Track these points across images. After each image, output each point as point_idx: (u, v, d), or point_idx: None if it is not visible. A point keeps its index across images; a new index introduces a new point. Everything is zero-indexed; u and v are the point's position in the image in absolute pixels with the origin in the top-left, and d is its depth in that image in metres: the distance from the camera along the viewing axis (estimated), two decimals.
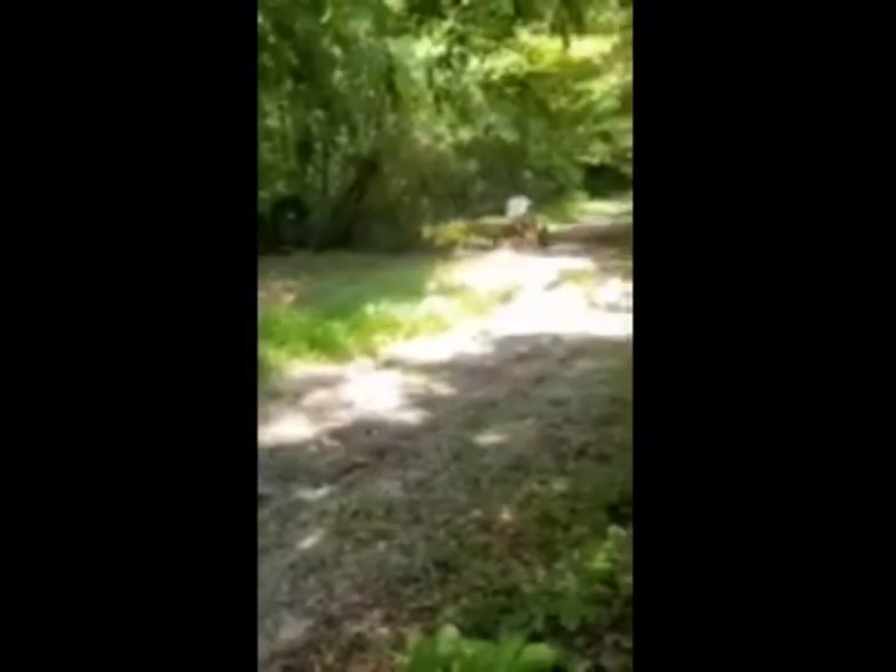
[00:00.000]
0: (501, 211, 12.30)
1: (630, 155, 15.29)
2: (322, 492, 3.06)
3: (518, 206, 10.62)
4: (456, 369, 5.04)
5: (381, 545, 2.56)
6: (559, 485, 2.95)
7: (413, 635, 2.00)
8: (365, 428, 3.85)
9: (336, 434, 3.76)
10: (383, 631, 2.05)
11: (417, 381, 4.74)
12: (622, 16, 9.60)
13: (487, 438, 3.62)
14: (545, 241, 10.18)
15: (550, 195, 18.83)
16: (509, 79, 12.37)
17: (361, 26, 10.56)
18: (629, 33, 9.87)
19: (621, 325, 6.42)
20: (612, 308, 7.37)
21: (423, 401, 4.32)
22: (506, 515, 2.73)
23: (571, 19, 4.41)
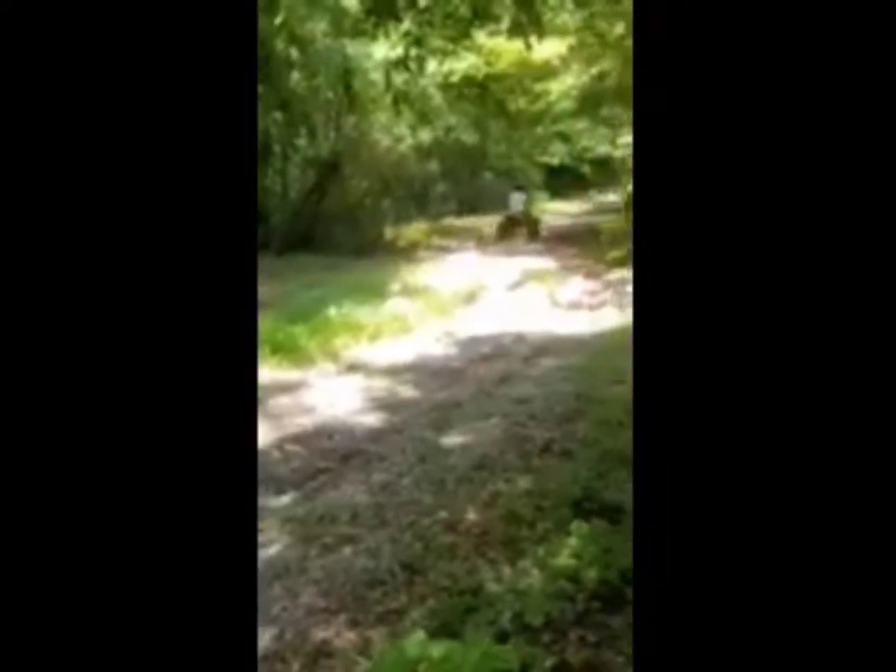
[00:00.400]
0: (461, 212, 12.96)
1: (588, 155, 15.52)
2: (286, 498, 3.03)
3: (518, 201, 11.89)
4: (420, 371, 5.04)
5: (347, 550, 2.54)
6: (524, 482, 2.98)
7: (380, 639, 1.99)
8: (328, 433, 3.82)
9: (299, 440, 3.72)
10: (350, 636, 2.03)
11: (381, 384, 4.72)
12: (578, 17, 9.73)
13: (452, 439, 3.63)
14: (536, 233, 11.28)
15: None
16: (468, 80, 12.42)
17: (318, 27, 10.49)
18: (584, 35, 10.02)
19: (583, 323, 6.52)
20: (574, 306, 7.48)
21: (387, 404, 4.31)
22: (471, 515, 2.74)
23: (530, 22, 4.44)
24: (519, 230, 11.68)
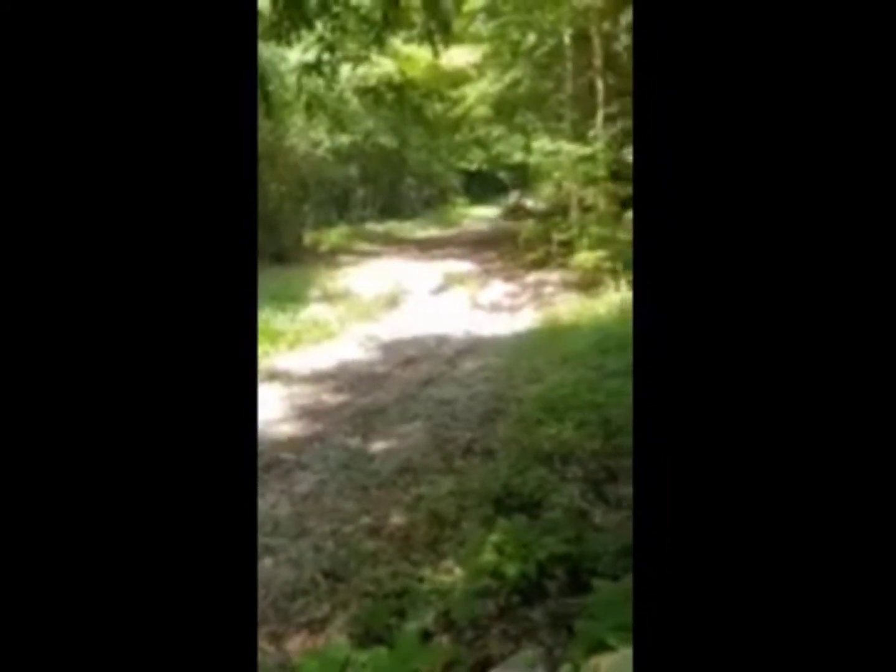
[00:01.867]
0: (383, 216, 15.70)
1: (505, 161, 15.88)
2: None
3: (515, 195, 16.44)
4: (343, 377, 4.98)
5: (268, 561, 2.48)
6: (447, 484, 3.00)
7: (301, 650, 1.95)
8: None
9: None
10: (270, 649, 1.98)
11: (302, 392, 4.63)
12: (490, 26, 9.92)
13: (376, 444, 3.61)
14: (530, 215, 13.41)
15: (432, 201, 19.09)
16: (384, 85, 12.42)
17: None
18: (498, 42, 10.22)
19: (503, 324, 6.65)
20: (495, 308, 7.61)
21: (309, 411, 4.24)
22: (395, 519, 2.73)
23: (439, 29, 4.49)
24: (517, 213, 14.90)
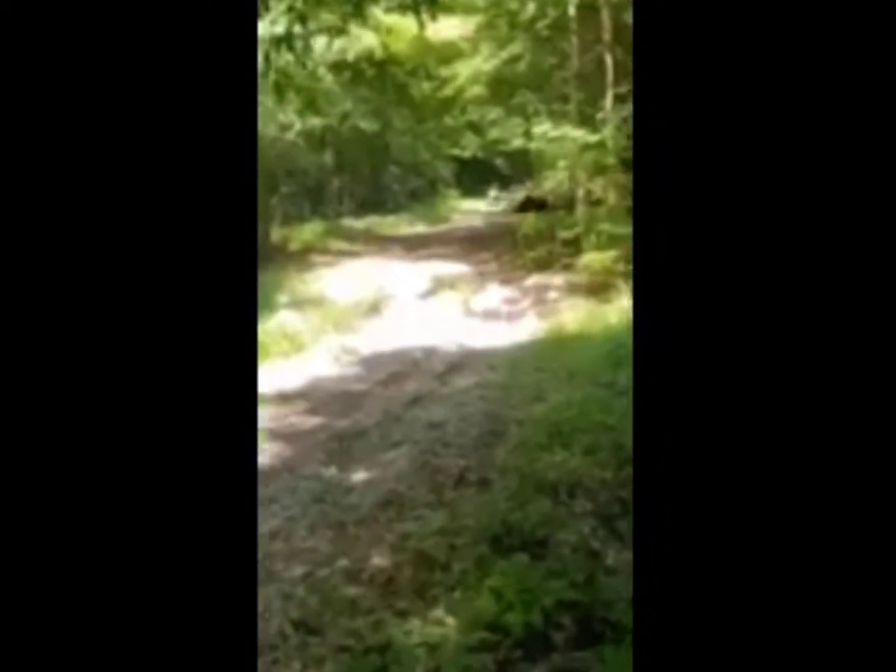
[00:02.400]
0: (362, 211, 15.41)
1: (503, 147, 16.02)
2: None
3: (527, 186, 16.12)
4: (315, 396, 4.98)
5: None
6: (436, 520, 2.99)
7: None
8: None
9: None
10: None
11: (268, 414, 4.62)
12: None
13: (355, 474, 3.60)
14: (543, 205, 13.55)
15: (419, 193, 19.18)
16: (364, 61, 12.48)
17: None
18: (493, 12, 10.32)
19: (501, 334, 6.67)
20: (491, 316, 7.65)
21: (276, 436, 4.22)
22: (376, 561, 2.72)
23: None
24: (527, 207, 14.82)
